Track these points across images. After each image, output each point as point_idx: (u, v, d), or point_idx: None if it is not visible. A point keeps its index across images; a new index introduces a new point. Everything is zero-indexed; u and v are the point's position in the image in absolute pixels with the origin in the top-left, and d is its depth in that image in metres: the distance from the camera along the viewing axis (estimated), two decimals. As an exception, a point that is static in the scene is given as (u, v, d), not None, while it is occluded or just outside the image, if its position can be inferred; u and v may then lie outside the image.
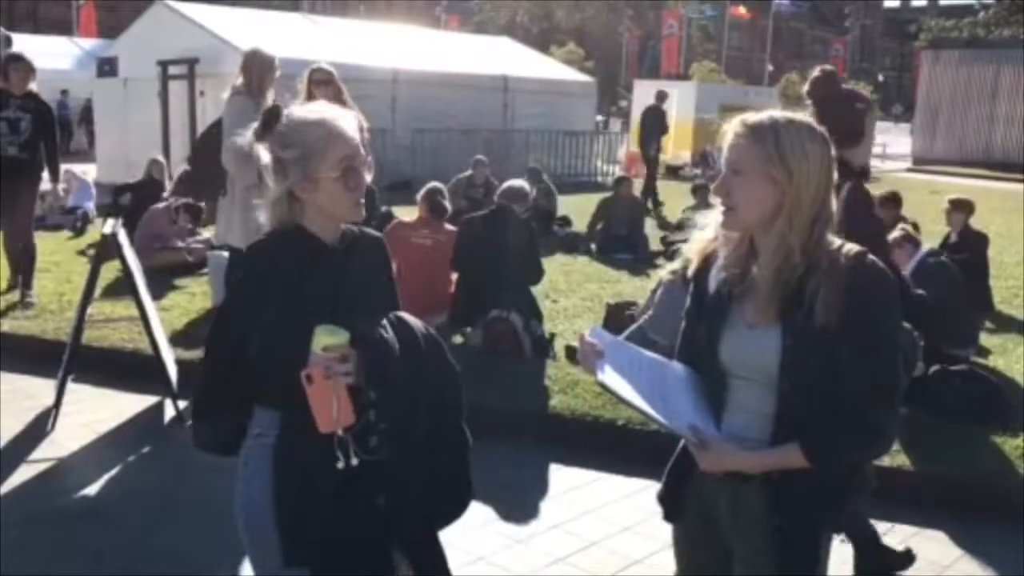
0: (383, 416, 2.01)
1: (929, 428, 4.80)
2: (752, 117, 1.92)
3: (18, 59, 7.20)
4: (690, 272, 2.10)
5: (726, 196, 1.92)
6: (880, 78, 70.89)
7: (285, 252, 2.10)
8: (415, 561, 2.18)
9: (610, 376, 1.91)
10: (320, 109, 2.16)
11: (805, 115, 1.96)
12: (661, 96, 16.61)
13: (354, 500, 2.06)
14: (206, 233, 9.09)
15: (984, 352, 6.53)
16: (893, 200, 8.38)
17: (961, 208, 7.84)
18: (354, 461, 1.99)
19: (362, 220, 2.17)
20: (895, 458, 4.46)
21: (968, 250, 7.49)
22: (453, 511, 2.24)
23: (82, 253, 9.06)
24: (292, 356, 1.94)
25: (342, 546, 2.07)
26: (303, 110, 2.16)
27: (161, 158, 10.99)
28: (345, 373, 1.92)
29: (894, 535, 4.09)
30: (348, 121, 2.12)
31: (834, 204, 1.93)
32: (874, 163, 24.54)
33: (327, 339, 1.92)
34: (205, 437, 2.29)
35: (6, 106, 6.94)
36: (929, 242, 7.10)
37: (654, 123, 15.87)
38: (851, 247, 1.91)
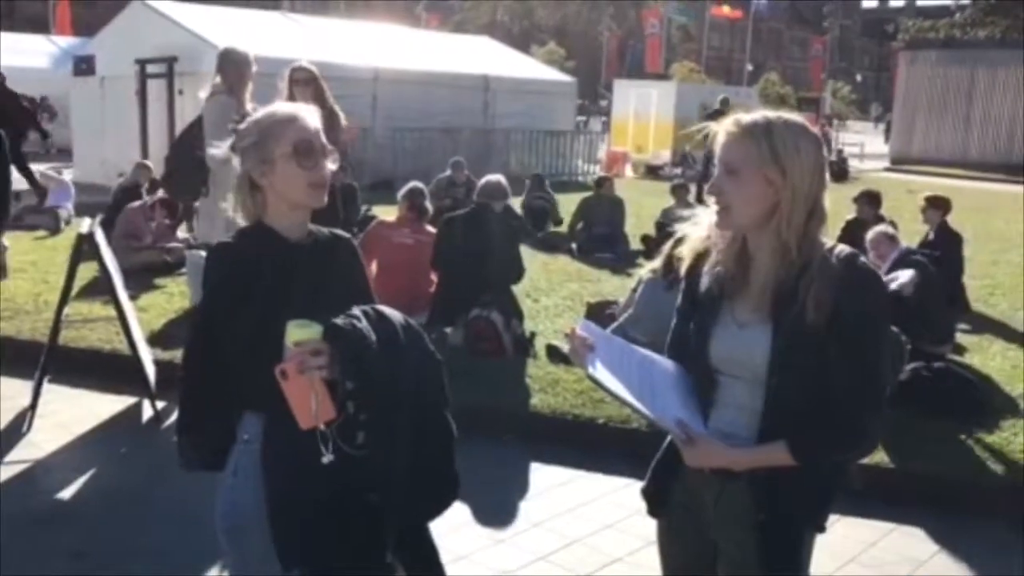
0: (363, 407, 1.98)
1: (907, 425, 4.84)
2: (745, 117, 1.92)
3: None
4: (683, 270, 2.11)
5: (720, 196, 1.93)
6: (858, 78, 71.50)
7: (252, 252, 2.10)
8: (407, 556, 2.18)
9: (600, 370, 1.92)
10: (278, 103, 2.25)
11: (794, 114, 1.98)
12: (725, 102, 17.59)
13: (346, 498, 2.05)
14: (183, 232, 9.03)
15: (960, 350, 6.60)
16: (872, 198, 8.47)
17: (937, 205, 7.88)
18: (329, 457, 1.96)
19: (323, 206, 2.17)
20: (873, 455, 4.50)
21: (943, 248, 7.55)
22: (441, 503, 2.23)
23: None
24: (270, 356, 1.92)
25: (337, 546, 2.06)
26: (264, 107, 2.22)
27: (149, 163, 10.82)
28: (319, 367, 1.90)
29: (872, 531, 4.14)
30: (306, 112, 2.16)
31: (827, 202, 1.94)
32: (852, 163, 24.78)
33: (299, 333, 1.91)
34: (193, 455, 2.26)
35: None
36: (905, 241, 7.16)
37: None
38: (843, 248, 1.92)
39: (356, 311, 2.05)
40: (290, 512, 2.04)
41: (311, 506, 2.04)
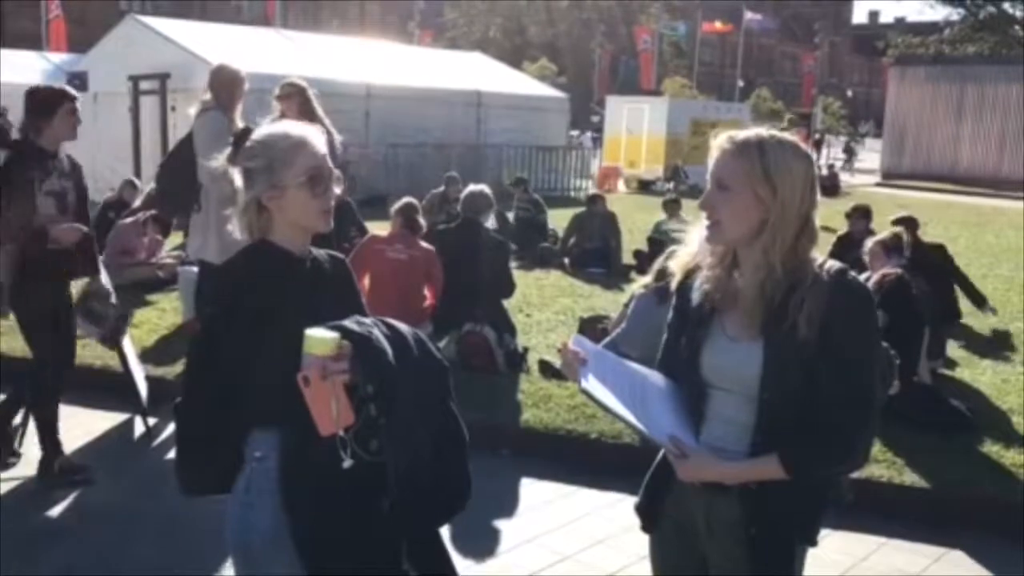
0: (383, 410, 2.00)
1: (899, 438, 4.86)
2: (739, 134, 1.95)
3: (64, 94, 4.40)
4: (673, 285, 2.13)
5: (711, 211, 1.95)
6: (849, 94, 71.84)
7: (256, 271, 2.11)
8: (421, 563, 2.19)
9: (593, 384, 1.93)
10: (287, 124, 2.21)
11: (787, 132, 2.00)
12: (792, 122, 19.18)
13: (363, 505, 2.07)
14: (172, 247, 9.00)
15: (951, 364, 6.62)
16: (863, 212, 8.51)
17: (906, 227, 7.66)
18: (349, 462, 1.98)
19: (329, 231, 2.19)
20: (864, 469, 4.50)
21: (924, 264, 7.52)
22: (454, 506, 2.23)
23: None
24: (281, 369, 1.93)
25: (357, 553, 2.08)
26: (270, 126, 2.21)
27: (136, 180, 10.81)
28: (341, 371, 1.92)
29: (864, 544, 4.14)
30: (315, 135, 2.17)
31: (817, 221, 1.96)
32: (844, 177, 24.93)
33: (317, 341, 1.92)
34: (199, 482, 2.25)
35: (45, 170, 4.31)
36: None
37: None
38: (833, 264, 1.94)
39: (366, 319, 2.07)
40: (313, 526, 2.05)
41: (333, 518, 2.05)
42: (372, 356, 1.98)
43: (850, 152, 36.87)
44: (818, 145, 34.09)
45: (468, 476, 2.23)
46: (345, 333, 1.97)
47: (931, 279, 7.01)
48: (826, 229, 8.22)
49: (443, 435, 2.17)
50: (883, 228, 8.71)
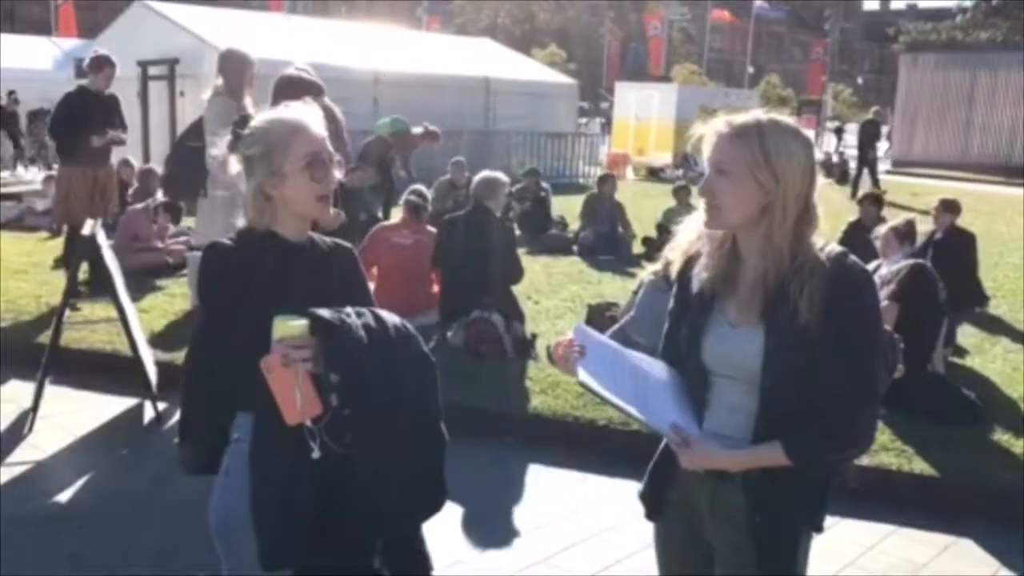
0: (347, 400, 1.96)
1: (908, 427, 4.85)
2: (737, 118, 1.92)
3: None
4: (673, 272, 2.11)
5: (711, 196, 1.93)
6: (860, 81, 71.45)
7: (249, 253, 2.11)
8: (395, 562, 2.16)
9: (592, 376, 1.92)
10: (284, 108, 2.19)
11: (788, 116, 1.98)
12: (877, 113, 21.10)
13: (332, 500, 2.04)
14: (172, 232, 9.01)
15: (961, 352, 6.59)
16: (873, 199, 8.50)
17: (950, 209, 8.01)
18: (317, 453, 1.95)
19: (330, 219, 2.17)
20: (873, 457, 4.50)
21: (953, 248, 7.61)
22: (428, 509, 2.20)
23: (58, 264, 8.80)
24: (257, 352, 1.91)
25: (322, 549, 2.05)
26: (267, 111, 2.20)
27: (132, 159, 10.87)
28: (303, 359, 1.89)
29: (870, 533, 4.14)
30: (313, 118, 2.15)
31: (818, 206, 1.94)
32: (854, 165, 24.85)
33: (285, 328, 1.90)
34: (196, 460, 2.25)
35: None
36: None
37: (872, 133, 19.64)
38: (833, 248, 1.92)
39: (347, 308, 2.04)
40: (274, 511, 2.02)
41: (296, 505, 2.02)
42: (339, 344, 1.94)
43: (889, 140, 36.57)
44: (838, 133, 33.84)
45: (443, 478, 2.19)
46: (314, 320, 1.93)
47: (954, 264, 7.01)
48: (873, 200, 8.37)
49: (419, 433, 2.13)
50: (897, 214, 8.69)
